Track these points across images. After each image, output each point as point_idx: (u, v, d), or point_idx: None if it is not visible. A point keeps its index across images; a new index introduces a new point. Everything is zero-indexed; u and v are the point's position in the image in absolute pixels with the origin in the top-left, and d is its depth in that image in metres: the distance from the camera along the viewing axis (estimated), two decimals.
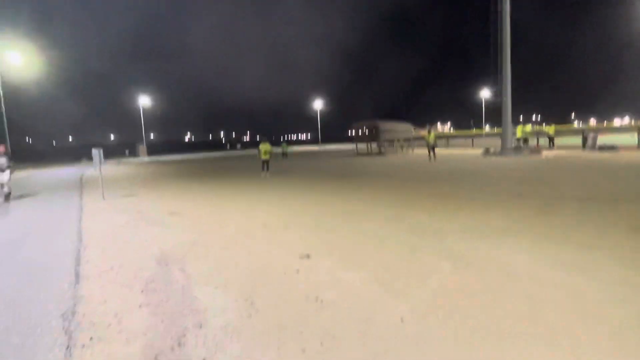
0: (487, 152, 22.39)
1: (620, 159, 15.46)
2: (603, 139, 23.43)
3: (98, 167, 11.36)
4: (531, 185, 9.79)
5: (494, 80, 22.00)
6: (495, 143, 26.47)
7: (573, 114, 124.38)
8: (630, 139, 24.10)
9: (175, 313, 3.30)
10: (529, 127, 24.70)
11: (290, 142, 71.01)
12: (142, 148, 51.85)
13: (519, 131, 23.69)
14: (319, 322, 3.01)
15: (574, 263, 4.02)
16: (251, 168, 19.81)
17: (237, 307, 3.34)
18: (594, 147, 21.41)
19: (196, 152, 62.61)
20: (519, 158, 18.93)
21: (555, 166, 14.33)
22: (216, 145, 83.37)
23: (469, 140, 39.39)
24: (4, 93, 29.54)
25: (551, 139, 24.89)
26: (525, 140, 23.81)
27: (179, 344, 2.78)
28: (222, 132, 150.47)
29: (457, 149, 31.64)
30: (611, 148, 20.28)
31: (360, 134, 31.92)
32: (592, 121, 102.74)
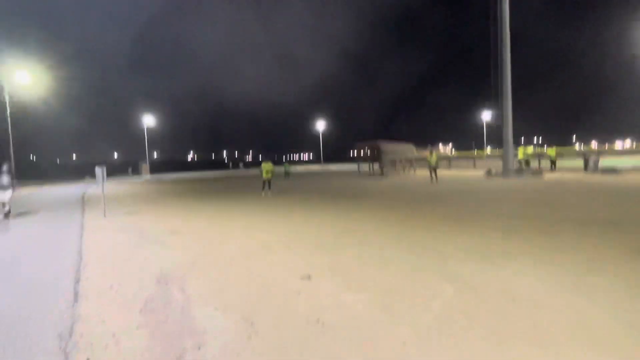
0: (489, 173, 22.41)
1: (622, 182, 15.43)
2: (605, 162, 23.45)
3: (101, 185, 11.41)
4: (534, 207, 9.75)
5: (495, 104, 22.27)
6: (497, 164, 26.51)
7: (574, 136, 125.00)
8: (632, 161, 24.11)
9: (174, 334, 3.25)
10: (530, 149, 24.80)
11: (293, 162, 71.40)
12: (145, 166, 52.12)
13: (521, 153, 23.79)
14: (319, 345, 2.96)
15: (578, 286, 3.97)
16: (253, 187, 19.84)
17: (237, 329, 3.30)
18: (595, 169, 21.43)
19: (199, 171, 62.89)
20: (520, 180, 18.92)
21: (557, 188, 14.31)
22: (219, 165, 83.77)
23: (471, 162, 39.45)
24: (11, 111, 29.97)
25: (553, 161, 24.95)
26: (527, 162, 23.87)
27: None
28: (224, 152, 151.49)
29: (459, 170, 31.67)
30: (613, 171, 20.28)
31: (362, 154, 32.09)
32: (594, 144, 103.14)
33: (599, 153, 25.69)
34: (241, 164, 79.53)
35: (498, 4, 21.08)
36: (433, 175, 19.78)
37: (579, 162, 24.76)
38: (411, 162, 34.42)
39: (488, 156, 57.59)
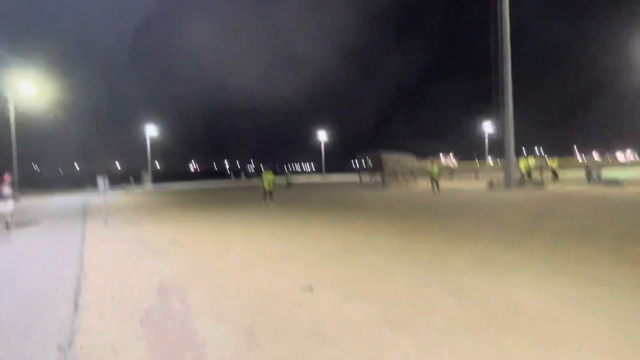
0: (491, 185, 22.35)
1: (625, 194, 15.38)
2: (607, 173, 23.42)
3: (103, 196, 11.42)
4: (536, 219, 9.71)
5: (497, 115, 22.31)
6: (499, 176, 26.48)
7: (575, 147, 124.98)
8: (634, 173, 24.05)
9: (174, 346, 3.23)
10: (532, 161, 24.69)
11: (294, 172, 71.48)
12: (147, 177, 52.26)
13: (522, 164, 23.74)
14: (320, 357, 2.93)
15: (584, 300, 3.93)
16: (254, 198, 19.84)
17: (238, 341, 3.27)
18: (598, 181, 21.37)
19: (200, 181, 63.00)
20: (523, 191, 18.87)
21: (560, 200, 14.26)
22: (220, 175, 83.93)
23: (472, 173, 39.45)
24: (15, 122, 30.20)
25: (555, 173, 24.90)
26: (529, 174, 23.81)
27: None
28: (226, 162, 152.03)
29: (461, 181, 31.65)
30: (615, 182, 20.23)
31: (363, 165, 32.13)
32: (595, 155, 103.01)
33: (601, 164, 25.63)
34: (243, 174, 79.59)
35: (499, 21, 21.31)
36: (435, 186, 19.76)
37: (581, 174, 24.72)
38: (412, 173, 34.42)
39: (490, 167, 57.59)
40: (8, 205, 11.06)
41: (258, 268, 5.76)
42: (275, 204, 15.83)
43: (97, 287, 5.05)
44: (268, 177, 15.95)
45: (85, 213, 16.24)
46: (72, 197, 28.88)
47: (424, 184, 27.43)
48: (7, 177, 11.29)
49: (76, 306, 4.34)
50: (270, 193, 15.92)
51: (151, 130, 54.20)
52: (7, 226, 11.06)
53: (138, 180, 53.16)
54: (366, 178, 33.41)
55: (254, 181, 47.56)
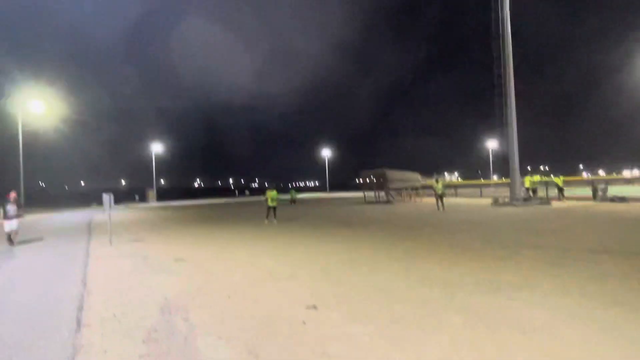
0: (496, 202, 22.23)
1: (632, 211, 15.22)
2: (613, 190, 23.25)
3: (108, 212, 11.46)
4: (543, 236, 9.61)
5: (502, 132, 22.35)
6: (504, 193, 26.34)
7: (581, 165, 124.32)
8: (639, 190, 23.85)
9: None
10: (537, 178, 24.62)
11: (299, 189, 71.51)
12: (152, 193, 52.54)
13: (527, 181, 23.65)
14: None
15: (593, 319, 3.85)
16: (258, 215, 19.82)
17: None
18: (604, 198, 21.19)
19: (205, 198, 63.13)
20: (528, 208, 18.73)
21: (566, 217, 14.13)
22: (225, 192, 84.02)
23: (477, 190, 39.27)
24: (23, 140, 30.64)
25: (560, 190, 24.74)
26: (534, 191, 23.69)
27: None
28: (230, 179, 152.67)
29: (466, 198, 31.49)
30: (622, 199, 20.06)
31: (368, 182, 32.07)
32: (601, 172, 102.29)
33: (607, 181, 25.45)
34: (247, 191, 79.77)
35: (500, 37, 21.60)
36: (440, 203, 19.68)
37: (587, 191, 24.55)
38: (417, 190, 34.33)
39: (495, 184, 57.38)
40: (13, 223, 11.11)
41: (262, 285, 5.72)
42: (279, 220, 15.80)
43: (100, 305, 5.03)
44: (271, 195, 15.99)
45: (89, 230, 16.28)
46: (78, 214, 29.01)
47: (428, 201, 27.32)
48: (13, 196, 11.37)
49: (79, 324, 4.31)
50: (274, 210, 15.92)
51: (157, 148, 54.83)
52: (12, 243, 11.10)
53: (143, 197, 53.47)
54: (371, 195, 33.33)
55: (258, 198, 47.61)
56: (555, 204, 20.63)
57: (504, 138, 22.38)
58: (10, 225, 11.06)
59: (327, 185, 72.91)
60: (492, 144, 67.34)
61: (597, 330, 3.57)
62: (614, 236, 9.20)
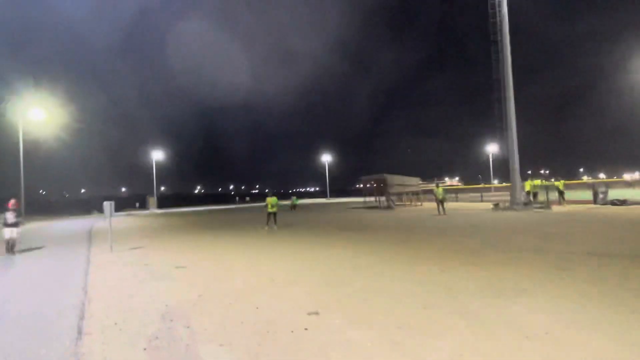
0: (496, 206, 22.20)
1: (633, 214, 15.20)
2: (613, 194, 23.23)
3: (108, 219, 11.46)
4: (544, 240, 9.59)
5: (502, 136, 22.36)
6: (504, 197, 26.32)
7: (582, 168, 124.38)
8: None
9: None
10: (537, 181, 24.59)
11: (299, 195, 71.49)
12: (152, 200, 52.56)
13: (528, 185, 23.62)
14: None
15: (596, 323, 3.84)
16: (259, 221, 19.80)
17: None
18: (605, 201, 21.17)
19: (205, 204, 63.09)
20: (529, 212, 18.71)
21: (567, 221, 14.11)
22: (225, 198, 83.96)
23: (478, 194, 39.22)
24: (23, 148, 30.70)
25: (561, 193, 24.70)
26: (535, 195, 23.66)
27: None
28: (231, 185, 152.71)
29: (467, 202, 31.46)
30: (623, 202, 20.04)
31: (368, 187, 32.08)
32: (602, 176, 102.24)
33: (608, 185, 25.42)
34: (247, 198, 79.76)
35: (499, 42, 21.72)
36: (440, 207, 19.68)
37: (588, 194, 24.53)
38: (417, 195, 34.33)
39: (495, 188, 57.34)
40: (13, 230, 11.11)
41: (263, 292, 5.70)
42: (279, 227, 15.79)
43: (101, 312, 5.01)
44: (271, 201, 16.01)
45: (90, 237, 16.26)
46: (78, 222, 29.00)
47: (428, 206, 27.30)
48: (13, 204, 11.37)
49: (80, 332, 4.29)
50: (274, 216, 15.92)
51: (157, 155, 54.98)
52: (12, 251, 11.08)
53: (143, 204, 53.52)
54: (371, 200, 33.33)
55: (258, 204, 47.60)
56: (556, 207, 20.60)
57: (504, 142, 22.41)
58: (10, 232, 11.06)
59: (328, 191, 72.86)
60: (492, 148, 67.49)
61: (600, 334, 3.55)
62: (615, 239, 9.18)
